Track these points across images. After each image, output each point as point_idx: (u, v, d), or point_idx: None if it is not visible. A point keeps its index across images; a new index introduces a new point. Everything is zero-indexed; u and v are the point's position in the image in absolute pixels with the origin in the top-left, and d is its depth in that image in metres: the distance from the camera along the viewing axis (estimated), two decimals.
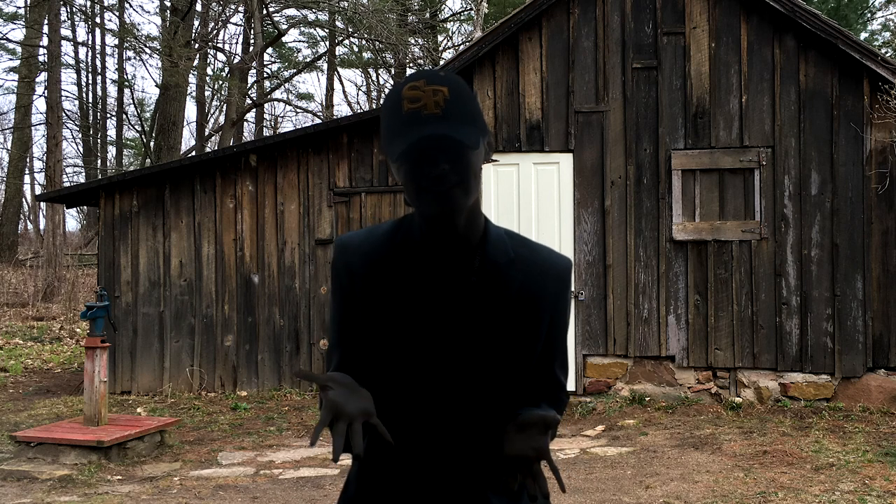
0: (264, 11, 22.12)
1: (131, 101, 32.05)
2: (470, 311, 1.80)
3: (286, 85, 28.91)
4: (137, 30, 32.03)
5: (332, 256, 1.90)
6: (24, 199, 30.36)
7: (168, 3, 24.57)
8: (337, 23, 24.90)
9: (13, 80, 29.81)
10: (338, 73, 29.99)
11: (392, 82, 26.90)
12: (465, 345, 1.80)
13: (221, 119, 26.67)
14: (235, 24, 28.00)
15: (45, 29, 22.08)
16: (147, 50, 24.71)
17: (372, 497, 1.87)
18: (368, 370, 1.85)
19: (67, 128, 30.13)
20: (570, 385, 8.97)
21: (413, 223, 1.83)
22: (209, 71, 27.12)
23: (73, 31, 31.58)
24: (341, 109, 41.16)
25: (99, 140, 32.90)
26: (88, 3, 28.23)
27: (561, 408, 1.99)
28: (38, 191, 32.26)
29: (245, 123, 28.70)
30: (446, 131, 1.66)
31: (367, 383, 1.84)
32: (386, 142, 1.73)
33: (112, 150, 33.67)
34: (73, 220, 42.86)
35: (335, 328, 1.91)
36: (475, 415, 1.82)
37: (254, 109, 26.67)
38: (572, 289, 9.03)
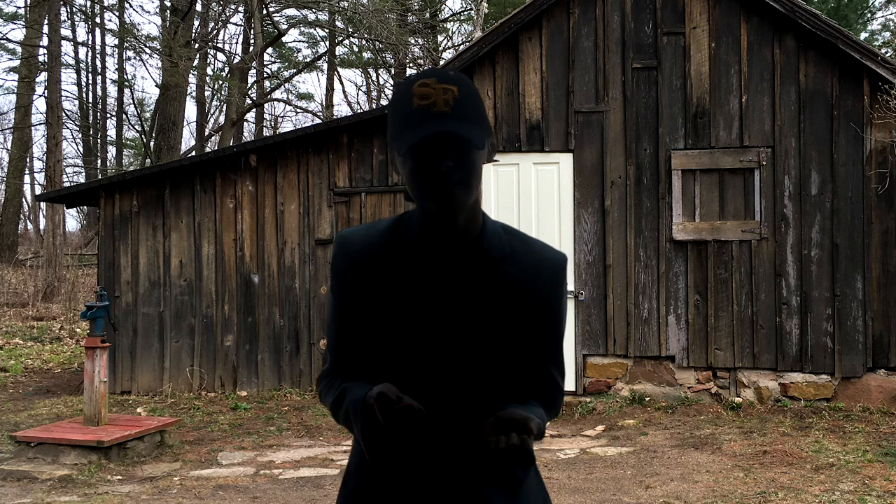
0: (264, 11, 22.11)
1: (131, 101, 32.06)
2: (465, 304, 1.82)
3: (286, 85, 28.92)
4: (137, 30, 32.05)
5: (333, 251, 1.92)
6: (24, 199, 30.36)
7: (168, 3, 24.56)
8: (337, 23, 24.90)
9: (13, 80, 29.83)
10: (338, 73, 29.99)
11: (392, 82, 26.92)
12: (459, 338, 1.81)
13: (221, 119, 26.67)
14: (235, 24, 28.02)
15: (45, 29, 22.05)
16: (147, 50, 24.72)
17: (372, 489, 1.88)
18: (367, 364, 1.86)
19: (67, 128, 30.14)
20: (570, 385, 8.97)
21: (412, 219, 1.85)
22: (209, 71, 27.13)
23: (73, 31, 31.59)
24: (341, 109, 41.14)
25: (99, 140, 32.90)
26: (88, 3, 28.24)
27: (556, 406, 1.98)
28: (38, 191, 32.27)
29: (245, 123, 28.71)
30: (454, 129, 1.68)
31: (365, 378, 1.86)
32: (393, 136, 1.75)
33: (112, 150, 33.70)
34: (73, 220, 42.87)
35: (334, 323, 1.92)
36: (469, 407, 1.83)
37: (254, 109, 26.66)
38: (570, 287, 9.03)
